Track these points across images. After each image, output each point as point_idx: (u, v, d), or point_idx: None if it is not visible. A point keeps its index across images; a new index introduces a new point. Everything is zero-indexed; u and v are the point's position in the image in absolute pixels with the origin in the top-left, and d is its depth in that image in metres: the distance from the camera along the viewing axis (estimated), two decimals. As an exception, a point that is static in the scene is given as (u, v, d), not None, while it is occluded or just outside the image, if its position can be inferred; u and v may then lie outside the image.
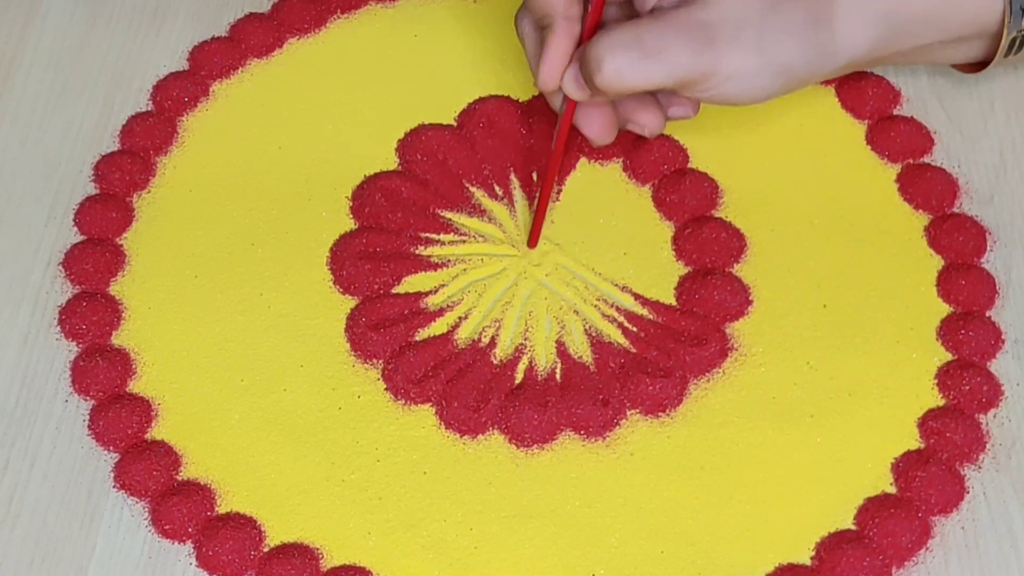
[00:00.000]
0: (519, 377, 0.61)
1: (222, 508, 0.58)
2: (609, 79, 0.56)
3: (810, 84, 0.61)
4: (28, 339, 0.62)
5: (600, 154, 0.67)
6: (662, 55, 0.56)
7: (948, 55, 0.64)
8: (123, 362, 0.61)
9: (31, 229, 0.66)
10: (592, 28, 0.58)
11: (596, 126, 0.61)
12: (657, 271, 0.64)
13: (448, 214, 0.66)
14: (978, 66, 0.65)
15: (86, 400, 0.61)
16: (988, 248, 0.65)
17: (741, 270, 0.64)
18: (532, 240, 0.64)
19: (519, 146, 0.68)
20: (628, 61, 0.56)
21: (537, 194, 0.63)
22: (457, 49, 0.72)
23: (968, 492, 0.58)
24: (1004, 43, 0.62)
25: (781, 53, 0.58)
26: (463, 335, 0.62)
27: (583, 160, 0.67)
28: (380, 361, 0.61)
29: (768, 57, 0.58)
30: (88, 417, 0.60)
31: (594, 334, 0.62)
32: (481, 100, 0.69)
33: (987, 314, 0.63)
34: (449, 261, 0.64)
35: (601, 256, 0.65)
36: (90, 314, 0.62)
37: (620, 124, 0.62)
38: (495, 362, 0.61)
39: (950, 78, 0.70)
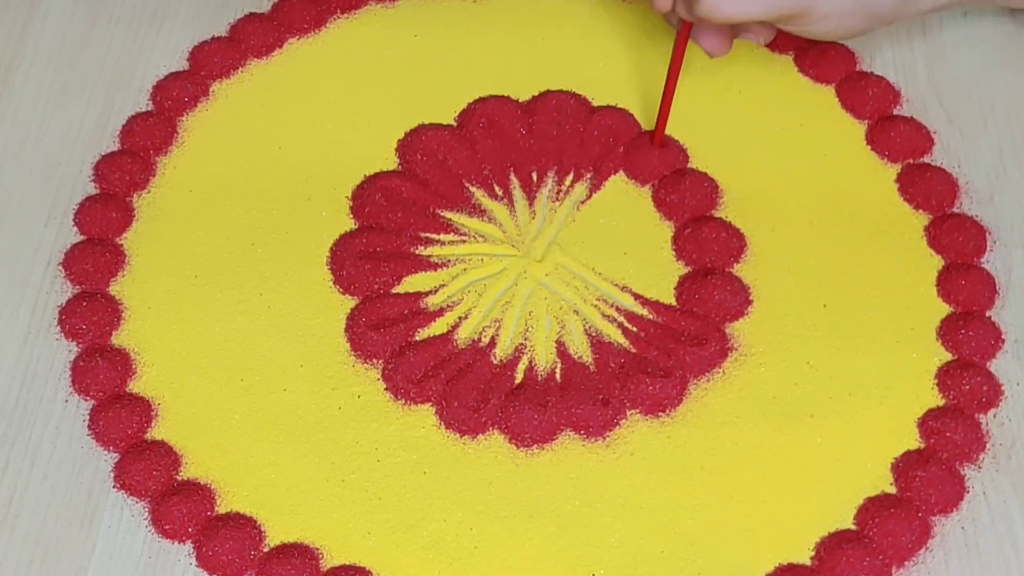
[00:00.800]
0: (519, 377, 0.61)
1: (222, 508, 0.58)
2: (709, 8, 0.60)
3: (891, 24, 0.64)
4: (28, 339, 0.62)
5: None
6: None
7: None
8: (123, 362, 0.61)
9: (31, 229, 0.66)
10: None
11: (711, 41, 0.64)
12: (657, 271, 0.64)
13: (448, 214, 0.66)
14: None
15: (86, 400, 0.61)
16: (988, 248, 0.65)
17: (741, 270, 0.64)
18: (657, 137, 0.66)
19: (519, 146, 0.68)
20: None
21: (661, 99, 0.66)
22: (457, 49, 0.72)
23: (968, 492, 0.58)
24: None
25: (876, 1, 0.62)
26: (463, 335, 0.62)
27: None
28: (380, 361, 0.61)
29: (863, 1, 0.62)
30: (88, 417, 0.60)
31: (594, 334, 0.62)
32: (481, 100, 0.69)
33: (987, 314, 0.63)
34: (449, 261, 0.64)
35: (601, 256, 0.65)
36: (90, 314, 0.62)
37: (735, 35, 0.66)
38: (495, 362, 0.61)
39: (950, 78, 0.70)
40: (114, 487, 0.58)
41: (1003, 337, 0.62)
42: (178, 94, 0.70)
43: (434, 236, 0.65)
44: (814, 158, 0.68)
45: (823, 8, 0.62)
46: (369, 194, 0.66)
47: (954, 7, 0.68)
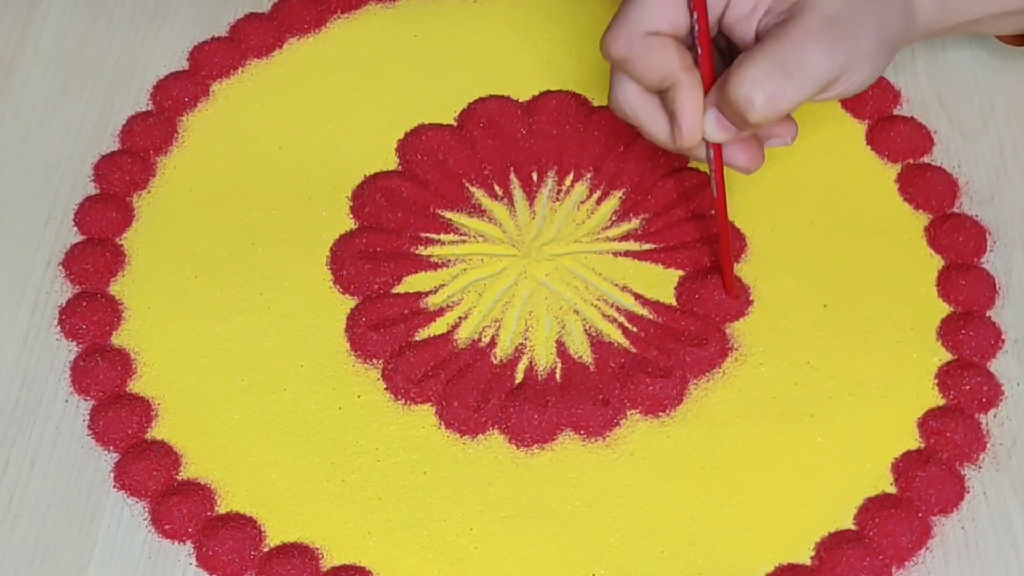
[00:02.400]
0: (519, 377, 0.61)
1: (222, 508, 0.58)
2: (765, 111, 0.55)
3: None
4: (28, 339, 0.62)
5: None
6: (806, 67, 0.55)
7: (999, 26, 0.64)
8: (123, 362, 0.61)
9: (31, 229, 0.66)
10: (710, 72, 0.56)
11: (745, 156, 0.59)
12: (657, 271, 0.64)
13: (448, 214, 0.66)
14: (1021, 39, 0.65)
15: (86, 400, 0.61)
16: (988, 248, 0.65)
17: (741, 270, 0.64)
18: (728, 289, 0.63)
19: (519, 146, 0.68)
20: (777, 87, 0.54)
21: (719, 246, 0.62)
22: (457, 49, 0.72)
23: (968, 492, 0.58)
24: None
25: (890, 28, 0.58)
26: (463, 335, 0.62)
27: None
28: (380, 361, 0.61)
29: (884, 36, 0.57)
30: (88, 417, 0.60)
31: (594, 334, 0.62)
32: (481, 100, 0.69)
33: (987, 314, 0.63)
34: (449, 261, 0.64)
35: (601, 256, 0.65)
36: (90, 314, 0.62)
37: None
38: (495, 362, 0.61)
39: (950, 78, 0.70)
40: (114, 487, 0.58)
41: (1003, 337, 0.62)
42: (178, 94, 0.70)
43: (434, 236, 0.65)
44: (814, 158, 0.68)
45: (859, 57, 0.56)
46: (369, 194, 0.66)
47: (930, 37, 0.64)
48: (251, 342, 0.62)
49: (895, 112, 0.69)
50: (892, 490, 0.58)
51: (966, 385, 0.60)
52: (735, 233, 0.65)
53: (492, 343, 0.62)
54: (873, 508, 0.57)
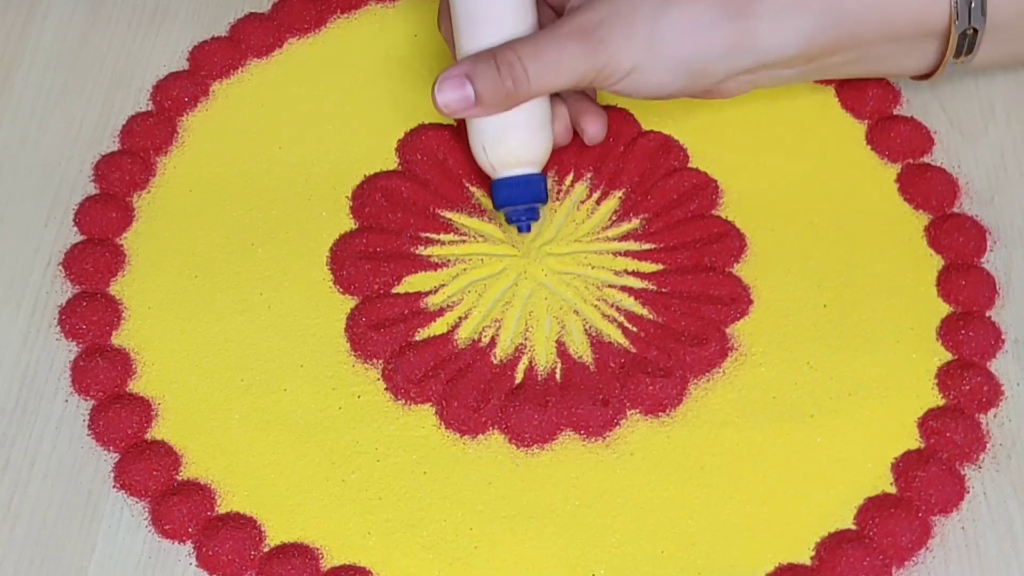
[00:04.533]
0: (519, 377, 0.61)
1: (222, 508, 0.58)
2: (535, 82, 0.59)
3: (731, 76, 0.61)
4: (28, 339, 0.62)
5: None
6: (560, 63, 0.59)
7: (899, 62, 0.64)
8: (123, 362, 0.61)
9: (31, 229, 0.66)
10: None
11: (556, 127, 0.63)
12: (657, 271, 0.64)
13: (448, 214, 0.66)
14: (931, 73, 0.65)
15: (86, 400, 0.61)
16: (988, 248, 0.65)
17: (741, 270, 0.64)
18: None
19: (519, 146, 0.68)
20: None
21: None
22: (457, 49, 0.71)
23: (968, 492, 0.58)
24: (953, 40, 0.61)
25: (681, 49, 0.59)
26: (463, 335, 0.62)
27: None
28: (380, 361, 0.61)
29: (666, 53, 0.59)
30: (88, 417, 0.60)
31: (594, 334, 0.62)
32: (481, 100, 0.69)
33: (987, 314, 0.63)
34: (449, 261, 0.64)
35: (601, 256, 0.64)
36: (90, 314, 0.62)
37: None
38: (495, 362, 0.61)
39: (950, 78, 0.70)
40: (114, 487, 0.58)
41: (1003, 337, 0.62)
42: (178, 94, 0.70)
43: (434, 236, 0.65)
44: (814, 158, 0.68)
45: (622, 66, 0.59)
46: (369, 194, 0.66)
47: (821, 64, 0.62)
48: (251, 342, 0.62)
49: (895, 112, 0.69)
50: (892, 490, 0.58)
51: (966, 385, 0.60)
52: (735, 233, 0.65)
53: (492, 343, 0.62)
54: (873, 508, 0.57)
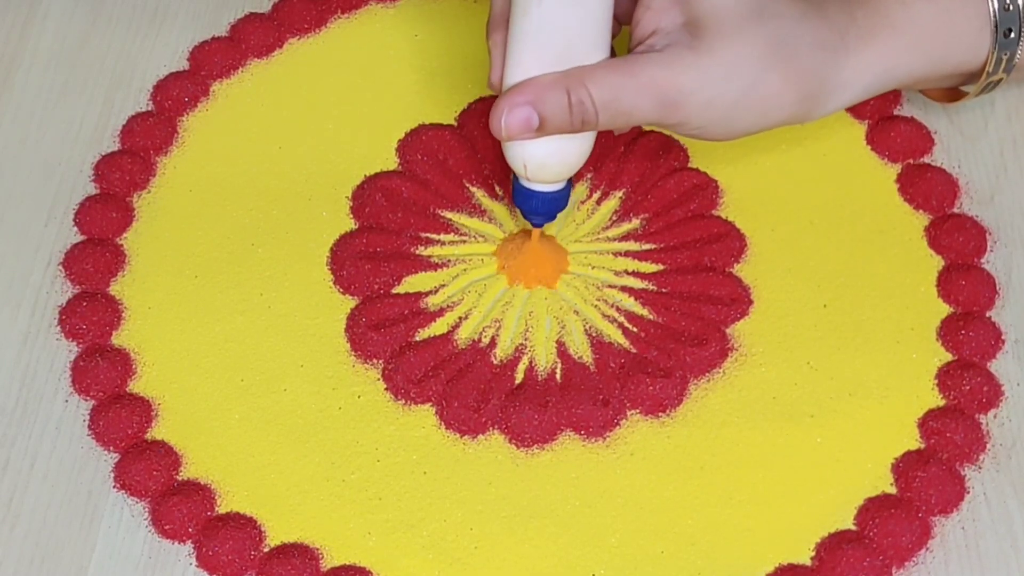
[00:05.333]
0: (519, 377, 0.61)
1: (222, 508, 0.58)
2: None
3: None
4: (28, 339, 0.62)
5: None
6: (632, 114, 0.57)
7: (920, 88, 0.65)
8: (123, 362, 0.61)
9: (31, 229, 0.66)
10: None
11: None
12: (657, 271, 0.64)
13: (448, 214, 0.66)
14: (946, 94, 0.65)
15: (86, 400, 0.61)
16: (988, 248, 0.65)
17: (741, 270, 0.64)
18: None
19: (519, 146, 0.68)
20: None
21: None
22: (457, 49, 0.71)
23: (968, 492, 0.58)
24: (978, 87, 0.62)
25: (751, 123, 0.58)
26: (463, 335, 0.62)
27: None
28: (380, 361, 0.61)
29: (736, 124, 0.58)
30: (88, 417, 0.60)
31: (594, 334, 0.62)
32: (481, 100, 0.69)
33: (987, 314, 0.63)
34: (449, 261, 0.64)
35: (601, 256, 0.64)
36: (90, 314, 0.62)
37: None
38: (495, 362, 0.61)
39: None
40: (114, 487, 0.58)
41: (1003, 337, 0.62)
42: (178, 94, 0.70)
43: (434, 236, 0.65)
44: (814, 158, 0.68)
45: (692, 124, 0.58)
46: (369, 194, 0.66)
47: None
48: (251, 342, 0.62)
49: (895, 112, 0.69)
50: (892, 490, 0.58)
51: (966, 385, 0.60)
52: (735, 233, 0.65)
53: (492, 343, 0.62)
54: (873, 508, 0.57)
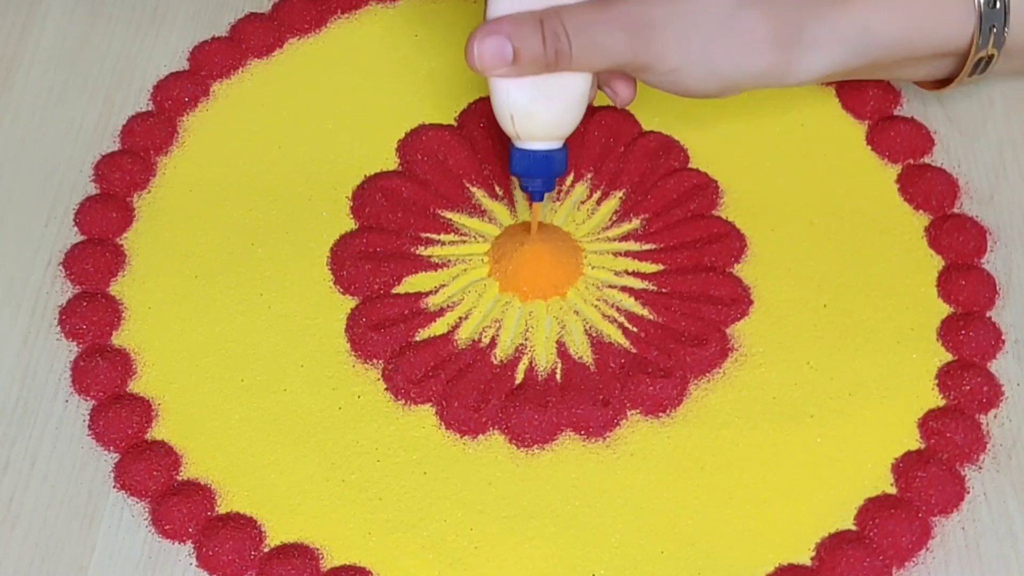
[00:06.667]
0: (519, 377, 0.61)
1: (222, 508, 0.58)
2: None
3: (757, 89, 0.61)
4: (28, 339, 0.62)
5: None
6: (606, 47, 0.57)
7: (911, 73, 0.64)
8: (123, 362, 0.61)
9: (31, 229, 0.66)
10: None
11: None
12: (657, 271, 0.64)
13: (448, 214, 0.66)
14: (939, 84, 0.65)
15: (86, 400, 0.61)
16: (988, 248, 0.65)
17: (741, 270, 0.64)
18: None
19: (519, 146, 0.68)
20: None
21: None
22: (457, 49, 0.71)
23: (968, 492, 0.58)
24: (969, 63, 0.61)
25: (726, 66, 0.58)
26: (463, 335, 0.62)
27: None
28: (380, 361, 0.61)
29: (710, 67, 0.58)
30: (88, 417, 0.60)
31: (594, 334, 0.62)
32: (481, 100, 0.69)
33: (987, 314, 0.63)
34: (449, 261, 0.64)
35: (601, 256, 0.64)
36: (90, 314, 0.62)
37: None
38: (495, 362, 0.61)
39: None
40: (114, 487, 0.58)
41: (1003, 337, 0.62)
42: (178, 94, 0.70)
43: (434, 236, 0.65)
44: (814, 158, 0.68)
45: (665, 65, 0.58)
46: (369, 194, 0.66)
47: (835, 80, 0.64)
48: (251, 342, 0.62)
49: (895, 112, 0.69)
50: (892, 490, 0.58)
51: (966, 385, 0.60)
52: (735, 233, 0.65)
53: (492, 343, 0.62)
54: (873, 508, 0.57)
